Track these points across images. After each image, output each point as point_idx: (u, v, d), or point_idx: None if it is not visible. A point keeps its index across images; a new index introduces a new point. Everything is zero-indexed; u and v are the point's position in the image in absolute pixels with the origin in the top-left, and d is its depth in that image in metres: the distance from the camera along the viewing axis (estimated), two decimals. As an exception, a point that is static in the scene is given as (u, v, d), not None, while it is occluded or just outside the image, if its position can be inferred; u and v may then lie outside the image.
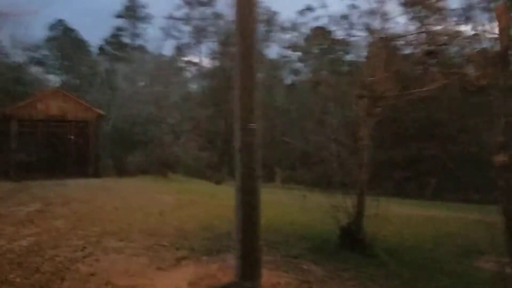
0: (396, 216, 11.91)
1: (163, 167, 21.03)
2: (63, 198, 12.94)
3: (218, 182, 20.67)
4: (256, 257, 5.45)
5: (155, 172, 20.54)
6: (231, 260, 6.30)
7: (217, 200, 12.65)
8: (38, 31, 60.28)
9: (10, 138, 18.26)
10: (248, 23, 5.44)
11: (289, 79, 45.54)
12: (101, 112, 21.05)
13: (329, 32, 46.67)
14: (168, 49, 55.39)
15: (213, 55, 37.29)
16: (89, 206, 11.19)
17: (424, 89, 6.06)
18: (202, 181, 20.93)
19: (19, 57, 39.28)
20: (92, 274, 5.68)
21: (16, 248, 7.09)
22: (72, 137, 19.50)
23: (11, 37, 35.93)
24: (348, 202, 7.58)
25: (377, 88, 6.54)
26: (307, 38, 45.28)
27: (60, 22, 44.18)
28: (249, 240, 5.40)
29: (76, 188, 15.42)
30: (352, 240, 7.22)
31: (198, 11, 37.38)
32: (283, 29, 40.35)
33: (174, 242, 7.36)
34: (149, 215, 9.89)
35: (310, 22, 40.66)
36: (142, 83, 36.81)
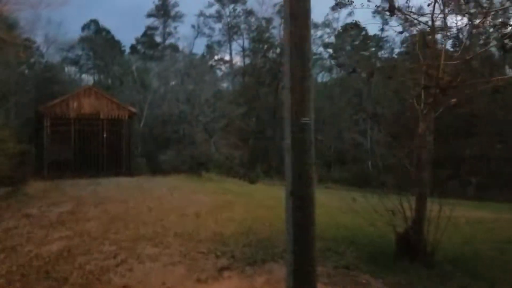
0: (444, 219, 10.92)
1: (196, 165, 20.49)
2: (96, 198, 12.52)
3: (252, 181, 19.98)
4: (311, 270, 4.66)
5: (188, 170, 20.01)
6: (278, 271, 5.57)
7: (255, 201, 11.95)
8: (71, 31, 61.25)
9: (43, 136, 18.09)
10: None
11: (320, 77, 44.46)
12: (134, 110, 20.68)
13: (362, 28, 45.51)
14: (199, 47, 55.29)
15: (244, 53, 36.81)
16: (122, 207, 10.68)
17: (506, 76, 5.14)
18: (236, 180, 20.29)
19: (53, 57, 39.85)
20: (125, 287, 5.05)
21: (44, 253, 6.57)
22: (105, 135, 19.18)
23: (45, 37, 36.41)
24: (405, 204, 6.70)
25: (444, 78, 5.65)
26: (339, 35, 44.22)
27: (93, 22, 44.54)
28: (303, 252, 4.61)
29: (109, 187, 15.02)
30: (411, 248, 6.34)
31: (229, 8, 36.90)
32: (315, 25, 39.32)
33: (213, 248, 6.67)
34: (184, 217, 9.27)
35: (343, 18, 39.63)
36: (174, 82, 36.60)
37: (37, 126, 19.46)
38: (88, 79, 44.32)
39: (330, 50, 44.35)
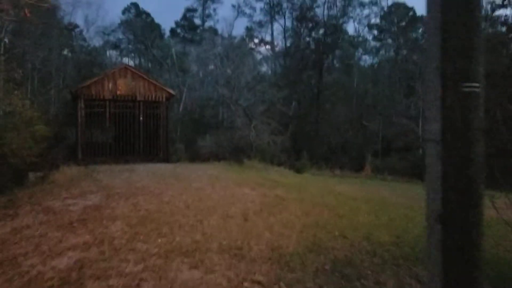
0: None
1: (237, 152, 18.53)
2: (128, 188, 10.78)
3: (299, 171, 17.84)
4: None
5: (229, 157, 18.09)
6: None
7: (309, 196, 9.84)
8: (111, 14, 60.50)
9: (77, 119, 16.51)
10: None
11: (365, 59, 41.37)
12: (172, 92, 18.82)
13: (410, 8, 42.02)
14: (239, 29, 53.30)
15: (286, 34, 34.28)
16: (156, 202, 8.83)
17: None
18: (281, 169, 18.19)
19: (95, 40, 39.09)
20: None
21: (48, 273, 4.75)
22: (142, 118, 17.47)
23: (85, 20, 35.48)
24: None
25: None
26: (385, 15, 41.05)
27: (133, 5, 43.50)
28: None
29: (144, 175, 13.30)
30: None
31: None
32: (361, 4, 36.29)
33: (274, 275, 4.64)
34: (229, 220, 7.28)
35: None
36: (213, 65, 34.90)
37: (74, 108, 17.95)
38: (129, 62, 43.27)
39: (375, 32, 41.21)
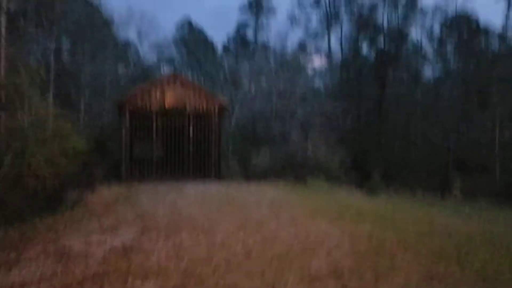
0: None
1: (295, 169, 15.72)
2: (172, 217, 8.32)
3: (371, 192, 14.75)
4: None
5: (287, 175, 15.33)
6: None
7: (413, 237, 6.85)
8: (163, 28, 60.30)
9: (122, 132, 14.41)
10: None
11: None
12: (225, 102, 16.39)
13: (473, 20, 37.63)
14: (293, 40, 51.07)
15: (342, 45, 31.27)
16: (206, 243, 6.24)
17: None
18: (349, 189, 15.15)
19: (149, 55, 38.31)
20: None
21: None
22: (192, 131, 15.13)
23: (138, 33, 34.59)
24: None
25: None
26: (447, 25, 36.97)
27: (187, 21, 42.48)
28: None
29: (193, 198, 10.86)
30: None
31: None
32: (423, 12, 32.67)
33: None
34: (317, 284, 4.51)
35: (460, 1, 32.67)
36: (266, 79, 32.67)
37: (119, 120, 15.96)
38: (182, 78, 42.00)
39: (436, 42, 37.21)
